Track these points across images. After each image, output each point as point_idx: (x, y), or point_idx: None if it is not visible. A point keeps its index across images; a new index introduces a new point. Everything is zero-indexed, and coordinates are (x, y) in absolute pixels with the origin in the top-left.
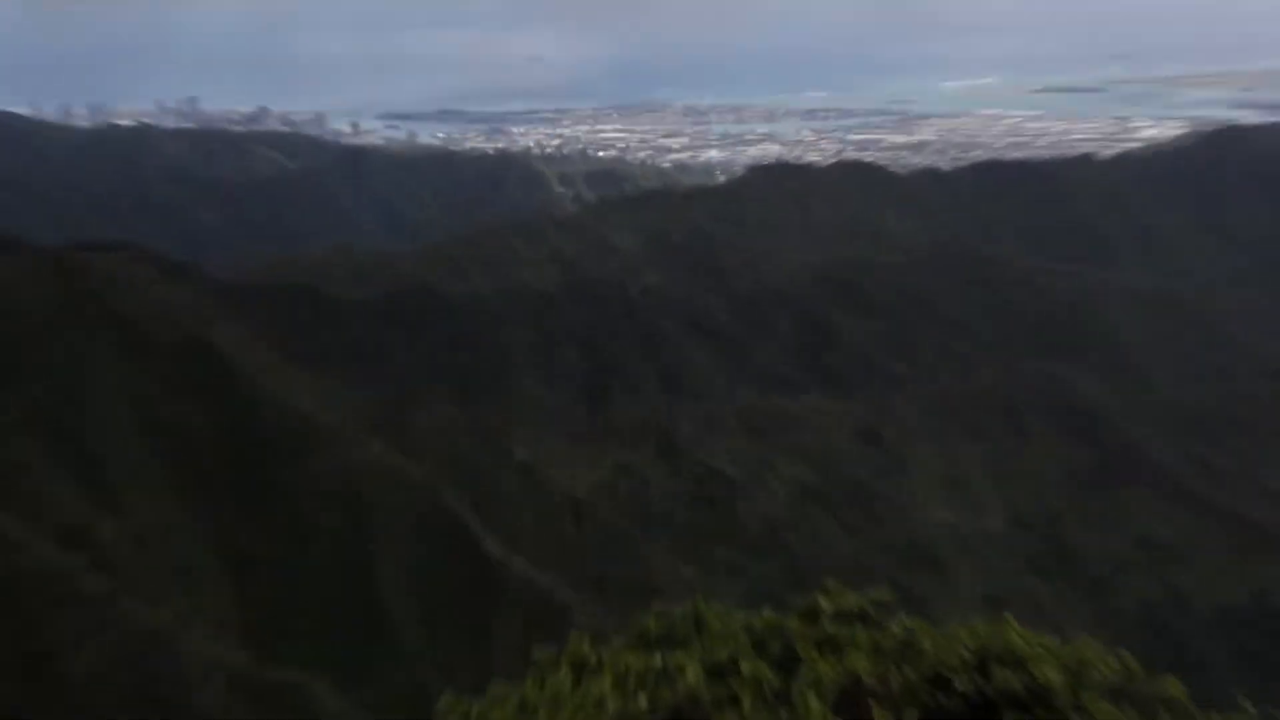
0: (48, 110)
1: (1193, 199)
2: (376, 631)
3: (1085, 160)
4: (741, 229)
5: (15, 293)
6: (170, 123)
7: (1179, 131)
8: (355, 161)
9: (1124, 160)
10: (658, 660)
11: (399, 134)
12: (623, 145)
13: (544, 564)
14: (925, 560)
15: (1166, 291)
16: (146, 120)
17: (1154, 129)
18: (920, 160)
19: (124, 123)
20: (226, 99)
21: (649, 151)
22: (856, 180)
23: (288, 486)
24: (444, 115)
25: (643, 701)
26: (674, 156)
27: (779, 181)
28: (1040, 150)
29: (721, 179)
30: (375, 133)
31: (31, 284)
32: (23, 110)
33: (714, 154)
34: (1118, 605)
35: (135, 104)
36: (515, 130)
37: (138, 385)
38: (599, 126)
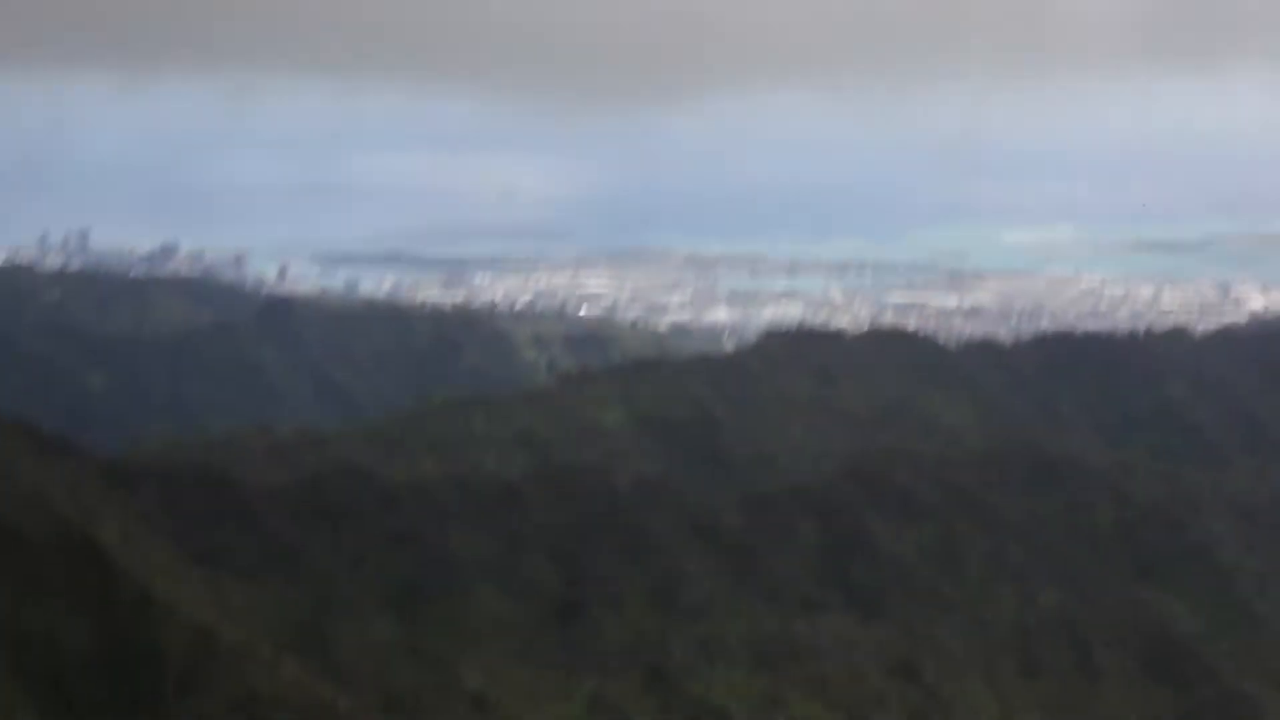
0: None
1: None
2: None
3: (1178, 335)
4: (753, 409)
5: None
6: (52, 262)
7: None
8: (280, 315)
9: (1226, 336)
10: None
11: (335, 282)
12: (610, 301)
13: None
14: None
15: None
16: (21, 260)
17: (1262, 298)
18: (974, 329)
19: None
20: (123, 234)
21: (642, 310)
22: (895, 352)
23: (181, 717)
24: (392, 258)
25: None
26: (672, 317)
27: (800, 351)
28: (1122, 321)
29: (730, 346)
30: (307, 279)
31: None
32: None
33: (722, 315)
34: None
35: (7, 238)
36: (478, 279)
37: (2, 590)
38: (582, 277)
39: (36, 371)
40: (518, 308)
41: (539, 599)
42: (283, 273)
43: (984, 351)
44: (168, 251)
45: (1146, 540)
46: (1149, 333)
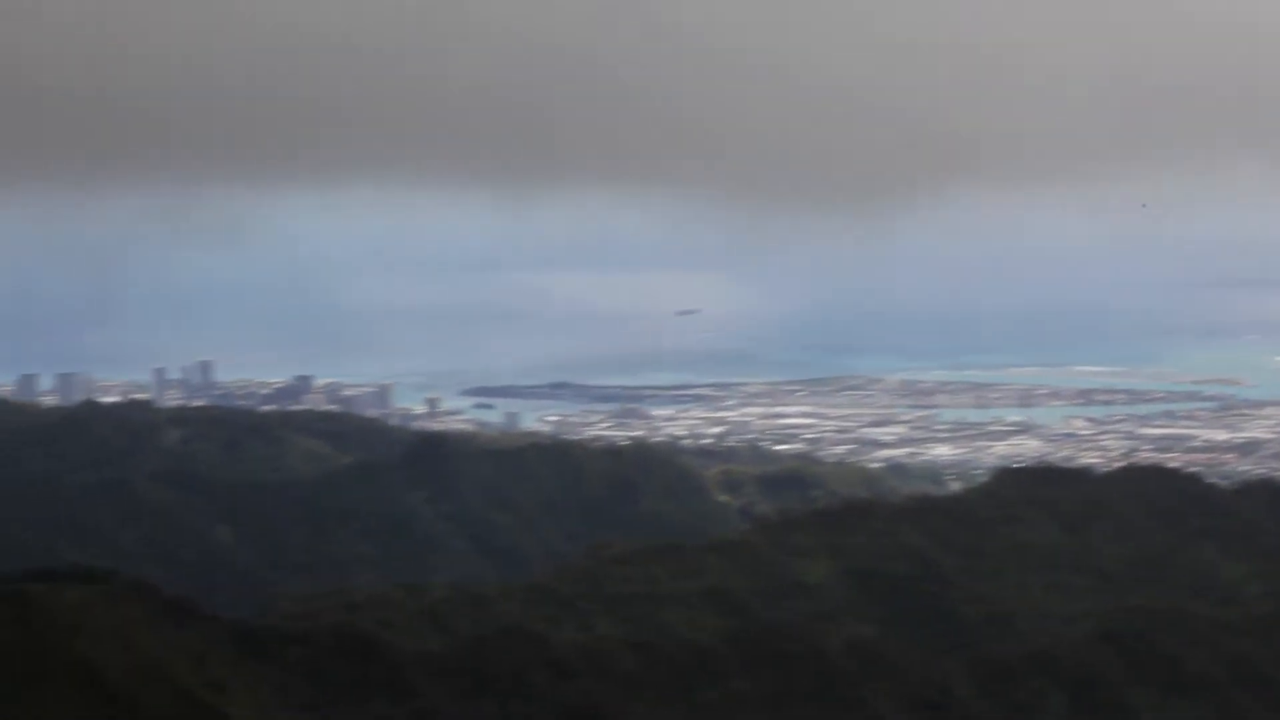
0: (2, 380)
1: None
2: None
3: None
4: (985, 561)
5: None
6: (173, 399)
7: None
8: (431, 455)
9: None
10: None
11: (494, 417)
12: (813, 436)
13: None
14: None
15: None
16: (138, 395)
17: None
18: (1253, 468)
19: (106, 399)
20: (251, 366)
21: (850, 445)
22: (1156, 493)
23: None
24: (558, 390)
25: None
26: (887, 452)
27: (1039, 493)
28: None
29: (955, 487)
30: (461, 414)
31: None
32: None
33: (944, 451)
34: None
35: (124, 373)
36: (657, 413)
37: None
38: (778, 409)
39: (156, 524)
40: (705, 444)
41: None
42: (433, 406)
43: (1264, 492)
44: (301, 385)
45: None
46: None
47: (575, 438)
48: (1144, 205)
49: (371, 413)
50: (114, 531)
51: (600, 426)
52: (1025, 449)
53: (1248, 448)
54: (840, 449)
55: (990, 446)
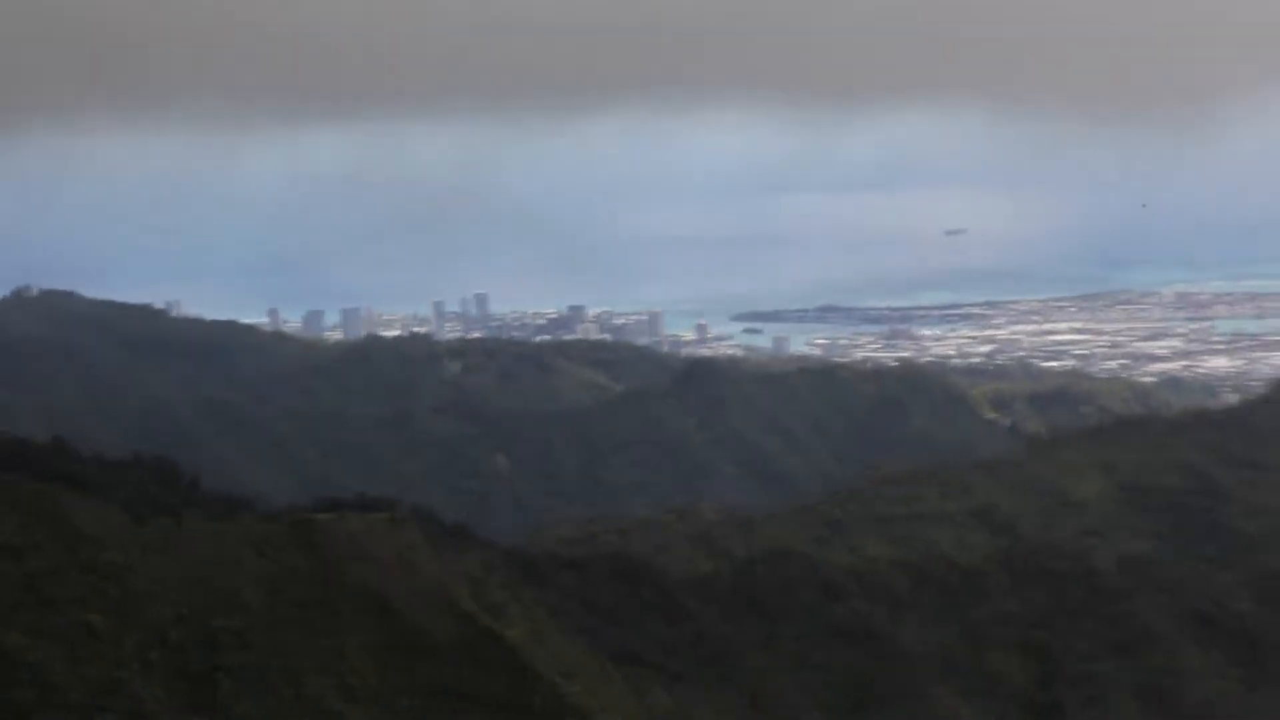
0: (290, 320)
1: None
2: None
3: None
4: (1263, 475)
5: (239, 570)
6: (451, 331)
7: None
8: (701, 380)
9: None
10: None
11: (763, 341)
12: (1084, 352)
13: None
14: None
15: None
16: (418, 329)
17: None
18: None
19: (388, 332)
20: (525, 297)
21: (1123, 360)
22: None
23: None
24: (826, 314)
25: None
26: (1161, 366)
27: None
28: None
29: (1233, 400)
30: (730, 340)
31: (260, 559)
32: (258, 320)
33: (1222, 363)
34: None
35: (403, 306)
36: (926, 334)
37: (401, 693)
38: (1048, 326)
39: (436, 453)
40: (972, 363)
41: (1007, 700)
42: (702, 333)
43: None
44: (574, 315)
45: None
46: None
47: (843, 360)
48: None
49: (642, 340)
50: (396, 462)
51: (869, 348)
52: None
53: None
54: (1113, 364)
55: (1268, 357)
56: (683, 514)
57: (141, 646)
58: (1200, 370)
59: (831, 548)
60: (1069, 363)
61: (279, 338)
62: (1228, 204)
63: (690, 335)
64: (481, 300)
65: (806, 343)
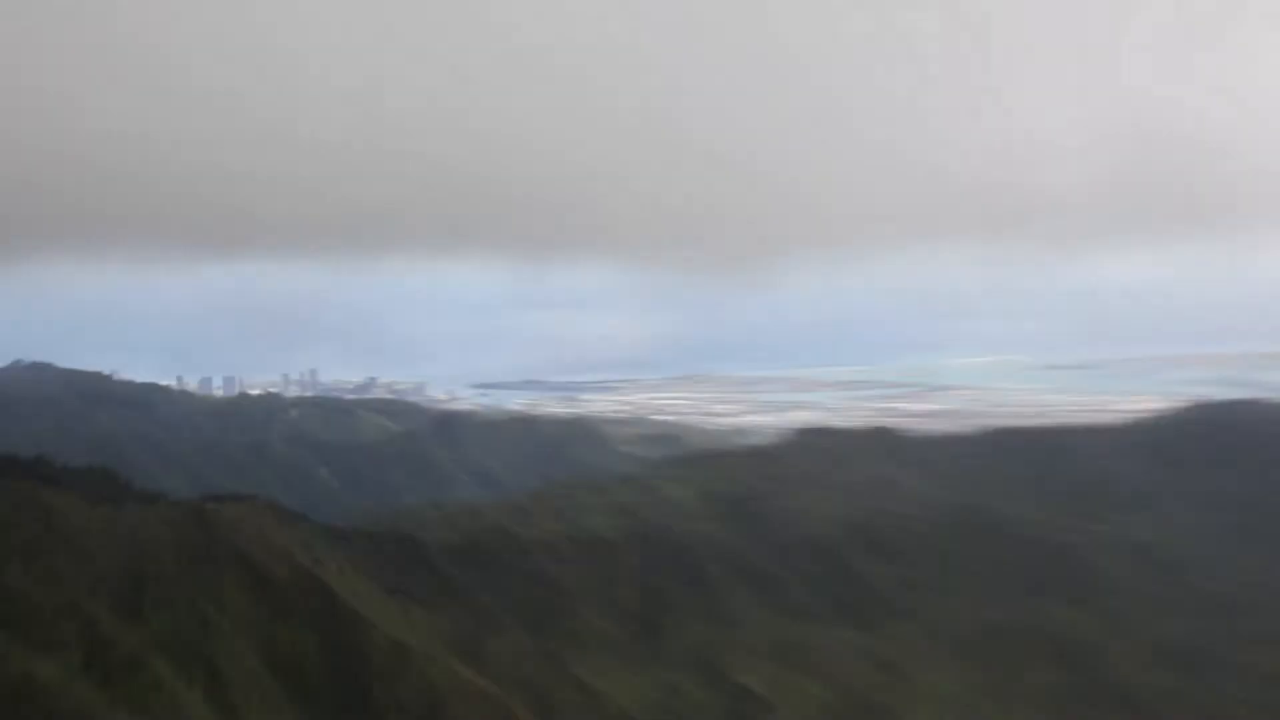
0: (190, 382)
1: (1175, 464)
2: None
3: (1085, 431)
4: (783, 485)
5: (157, 538)
6: (293, 391)
7: (1163, 405)
8: (450, 425)
9: (1116, 430)
10: None
11: (488, 400)
12: (679, 411)
13: None
14: None
15: (1145, 543)
16: (273, 390)
17: (1140, 403)
18: (940, 426)
19: (254, 392)
20: (341, 371)
21: (702, 416)
22: (884, 444)
23: (382, 701)
24: (527, 384)
25: None
26: (723, 420)
27: (816, 444)
28: (1043, 421)
29: (767, 442)
30: (467, 399)
31: (171, 531)
32: (169, 383)
33: (758, 419)
34: None
35: (265, 375)
36: (586, 398)
37: (259, 614)
38: (658, 395)
39: (283, 467)
40: (613, 416)
41: (630, 617)
42: (450, 395)
43: (948, 442)
44: (370, 383)
45: (1057, 571)
46: (1064, 428)
47: (536, 415)
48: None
49: (414, 399)
50: (257, 471)
51: (552, 407)
52: (809, 418)
53: (937, 415)
54: (696, 419)
55: (786, 415)
56: (437, 506)
57: (94, 582)
58: (747, 423)
59: (526, 526)
60: (671, 418)
61: (183, 394)
62: (766, 323)
63: (444, 396)
64: (314, 372)
65: (515, 403)
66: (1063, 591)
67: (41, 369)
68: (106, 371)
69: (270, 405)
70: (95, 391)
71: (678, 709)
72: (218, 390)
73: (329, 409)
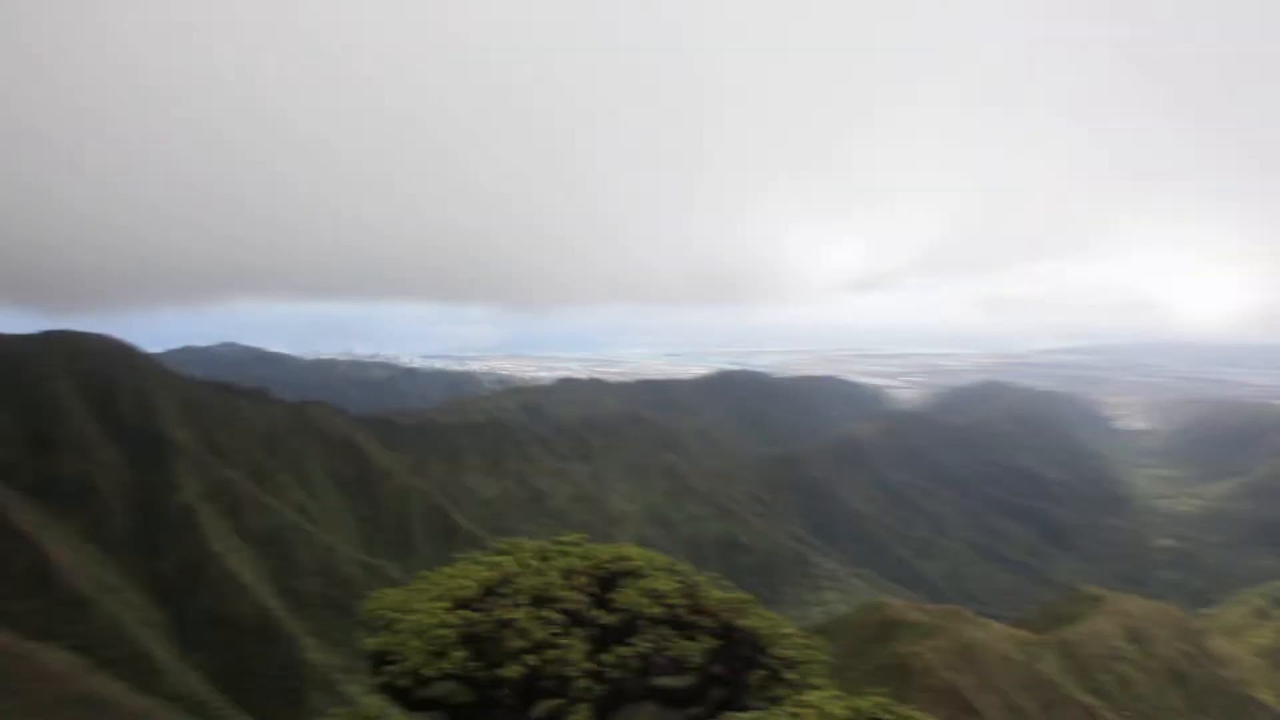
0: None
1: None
2: None
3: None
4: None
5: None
6: None
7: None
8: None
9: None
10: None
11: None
12: (507, 371)
13: None
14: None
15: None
16: None
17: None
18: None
19: None
20: None
21: (529, 374)
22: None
23: None
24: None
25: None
26: (534, 375)
27: (578, 391)
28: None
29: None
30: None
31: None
32: None
33: (545, 374)
34: None
35: None
36: (470, 364)
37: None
38: (502, 364)
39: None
40: (474, 371)
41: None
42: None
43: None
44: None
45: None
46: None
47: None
48: None
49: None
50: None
51: (445, 365)
52: (573, 371)
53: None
54: (527, 375)
55: (555, 372)
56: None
57: None
58: (541, 377)
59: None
60: (506, 374)
61: None
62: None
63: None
64: None
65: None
66: None
67: None
68: None
69: None
70: None
71: None
72: None
73: None
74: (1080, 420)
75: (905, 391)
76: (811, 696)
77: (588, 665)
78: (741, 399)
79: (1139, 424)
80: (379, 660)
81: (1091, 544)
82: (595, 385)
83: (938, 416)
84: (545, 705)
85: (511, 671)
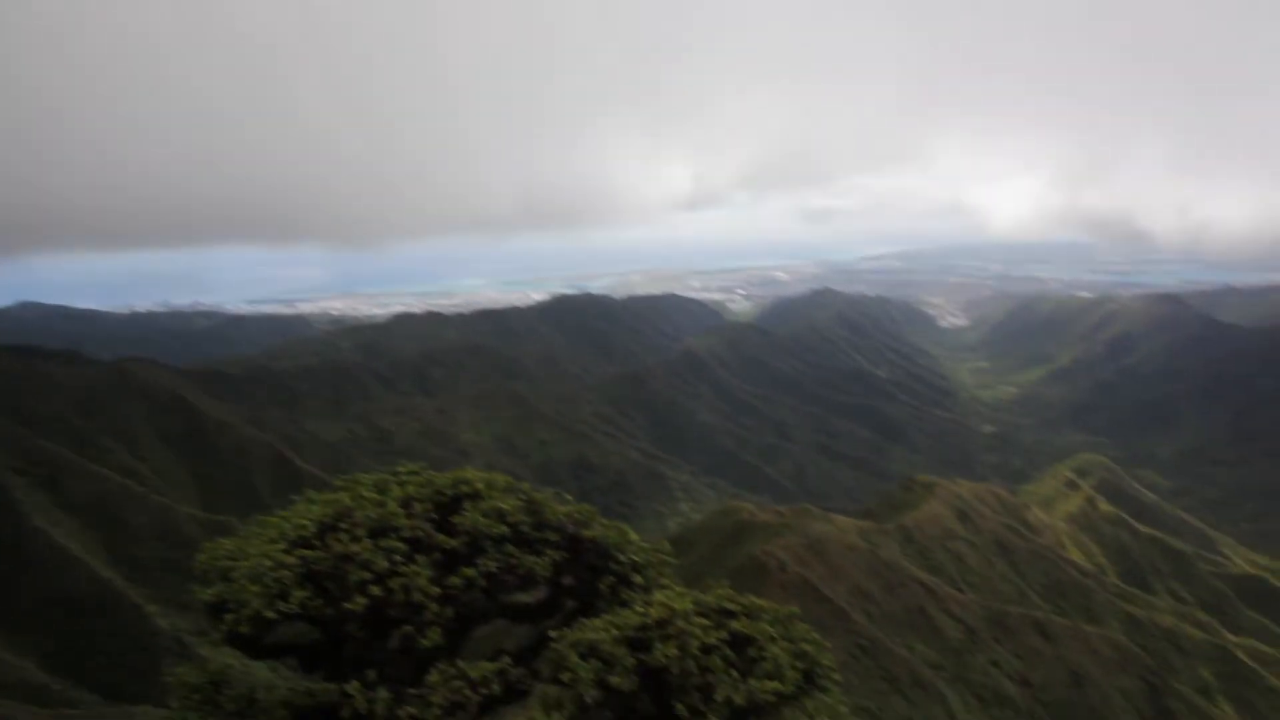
0: None
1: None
2: None
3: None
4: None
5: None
6: None
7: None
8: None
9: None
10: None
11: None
12: (340, 311)
13: None
14: None
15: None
16: None
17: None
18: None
19: None
20: None
21: (364, 313)
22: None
23: None
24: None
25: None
26: (368, 313)
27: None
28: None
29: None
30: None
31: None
32: None
33: (380, 311)
34: None
35: None
36: (301, 307)
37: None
38: (334, 304)
39: None
40: (305, 311)
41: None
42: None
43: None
44: None
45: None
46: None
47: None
48: None
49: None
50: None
51: (274, 309)
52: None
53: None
54: (361, 313)
55: (390, 309)
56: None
57: None
58: (374, 314)
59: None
60: (337, 314)
61: None
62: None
63: None
64: None
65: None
66: None
67: None
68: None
69: None
70: None
71: None
72: None
73: None
74: (906, 321)
75: (741, 304)
76: (659, 595)
77: (434, 590)
78: (582, 322)
79: (960, 321)
80: (217, 611)
81: (922, 436)
82: (433, 319)
83: (773, 327)
84: (397, 634)
85: (356, 605)
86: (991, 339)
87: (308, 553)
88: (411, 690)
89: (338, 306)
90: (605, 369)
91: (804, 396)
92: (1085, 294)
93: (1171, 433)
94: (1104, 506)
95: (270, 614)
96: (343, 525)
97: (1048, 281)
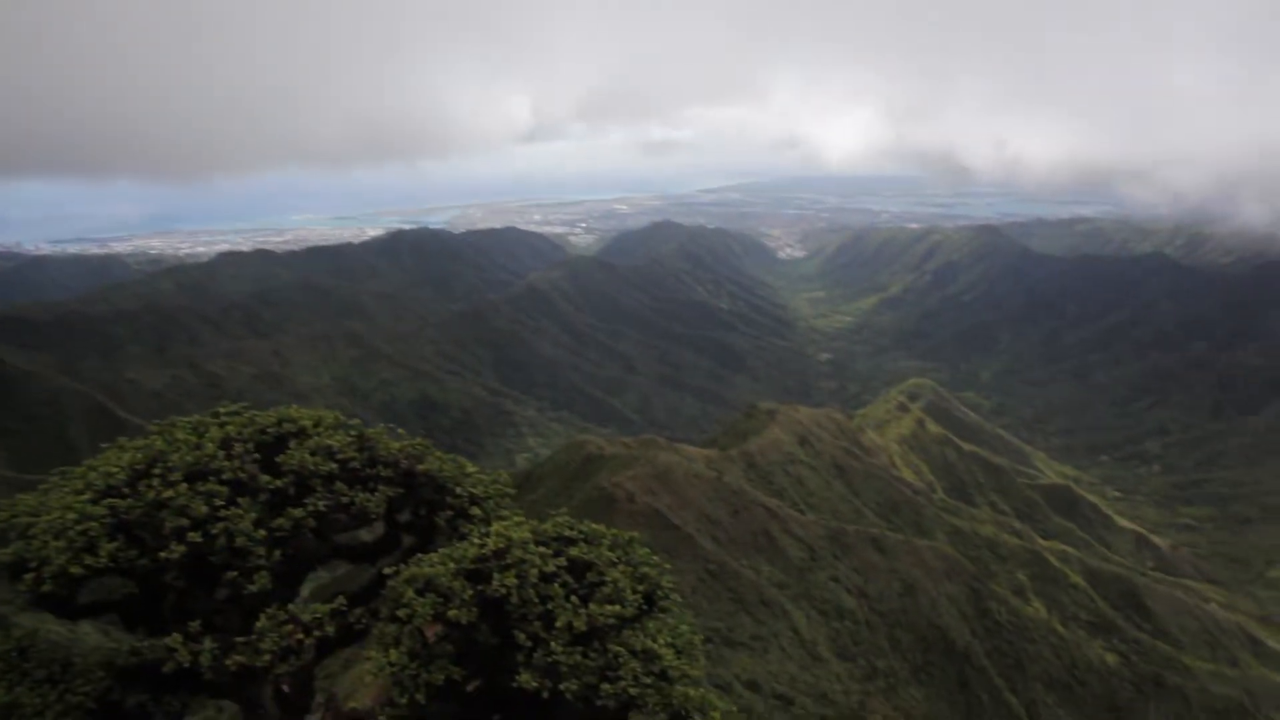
0: None
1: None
2: None
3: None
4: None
5: None
6: None
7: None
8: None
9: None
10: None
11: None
12: (158, 250)
13: None
14: None
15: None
16: None
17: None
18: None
19: None
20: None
21: (185, 252)
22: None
23: None
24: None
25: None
26: (190, 252)
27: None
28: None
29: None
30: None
31: None
32: None
33: (203, 250)
34: None
35: None
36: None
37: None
38: (152, 242)
39: None
40: (121, 252)
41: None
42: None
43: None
44: None
45: None
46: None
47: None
48: None
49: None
50: None
51: (88, 250)
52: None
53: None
54: (182, 253)
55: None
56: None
57: None
58: (198, 254)
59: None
60: (156, 253)
61: None
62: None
63: None
64: None
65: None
66: None
67: None
68: None
69: None
70: None
71: None
72: None
73: None
74: (746, 253)
75: (583, 238)
76: (496, 526)
77: (260, 534)
78: (421, 258)
79: (797, 253)
80: (17, 572)
81: (763, 365)
82: (262, 257)
83: (615, 260)
84: (224, 582)
85: (173, 553)
86: (827, 269)
87: (118, 502)
88: (240, 639)
89: (156, 246)
90: (446, 306)
91: (647, 329)
92: (914, 225)
93: (991, 356)
94: (932, 427)
95: (77, 570)
96: (156, 470)
97: (879, 214)
